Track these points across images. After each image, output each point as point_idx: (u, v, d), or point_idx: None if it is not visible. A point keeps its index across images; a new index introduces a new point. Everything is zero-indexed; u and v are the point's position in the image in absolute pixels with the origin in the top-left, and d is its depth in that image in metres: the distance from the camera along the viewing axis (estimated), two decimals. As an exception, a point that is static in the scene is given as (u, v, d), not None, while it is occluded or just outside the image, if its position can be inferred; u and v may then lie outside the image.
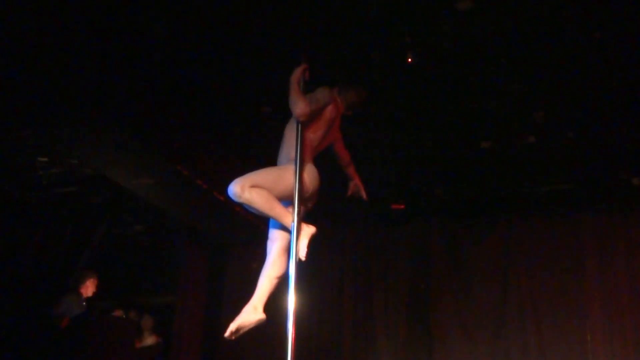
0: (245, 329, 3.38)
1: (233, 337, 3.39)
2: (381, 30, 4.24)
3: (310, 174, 3.55)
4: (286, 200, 3.49)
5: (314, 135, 3.64)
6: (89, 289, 6.42)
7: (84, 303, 6.27)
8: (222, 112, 5.36)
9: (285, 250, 3.49)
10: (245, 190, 3.36)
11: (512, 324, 6.52)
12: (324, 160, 3.74)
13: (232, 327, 3.36)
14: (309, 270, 3.89)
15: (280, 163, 3.63)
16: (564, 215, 6.71)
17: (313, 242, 3.42)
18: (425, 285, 6.89)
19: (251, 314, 3.39)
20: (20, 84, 4.07)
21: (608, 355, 6.17)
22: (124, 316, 6.49)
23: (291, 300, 3.26)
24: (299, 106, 3.47)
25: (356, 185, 4.00)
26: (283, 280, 3.37)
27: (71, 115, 4.49)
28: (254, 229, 6.28)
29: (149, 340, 7.23)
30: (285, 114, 3.65)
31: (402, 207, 7.03)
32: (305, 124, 3.54)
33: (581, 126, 5.35)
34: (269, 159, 3.76)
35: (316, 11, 4.07)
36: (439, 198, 6.84)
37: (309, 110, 3.49)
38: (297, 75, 3.59)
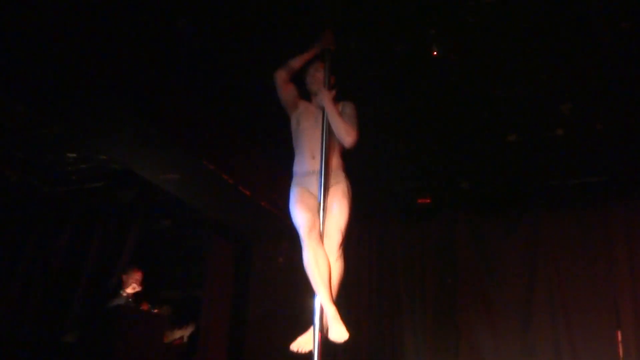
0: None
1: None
2: (406, 22, 4.22)
3: None
4: None
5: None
6: (131, 285, 6.54)
7: (130, 299, 6.42)
8: (248, 107, 5.39)
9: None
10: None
11: (541, 318, 6.43)
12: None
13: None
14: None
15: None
16: (593, 208, 6.60)
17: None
18: (452, 280, 6.85)
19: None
20: (48, 80, 4.12)
21: (640, 348, 6.09)
22: (152, 310, 6.57)
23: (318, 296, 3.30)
24: (352, 135, 3.56)
25: None
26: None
27: (99, 111, 4.54)
28: (279, 223, 6.31)
29: (177, 333, 7.30)
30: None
31: (428, 201, 7.00)
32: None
33: (610, 117, 5.27)
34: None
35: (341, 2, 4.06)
36: (466, 192, 6.80)
37: (358, 134, 3.59)
38: (330, 101, 3.58)
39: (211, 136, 5.52)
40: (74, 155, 6.10)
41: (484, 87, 4.94)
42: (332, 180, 3.55)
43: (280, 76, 3.71)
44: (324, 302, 3.26)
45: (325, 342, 3.22)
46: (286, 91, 3.74)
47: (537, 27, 4.21)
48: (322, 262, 3.32)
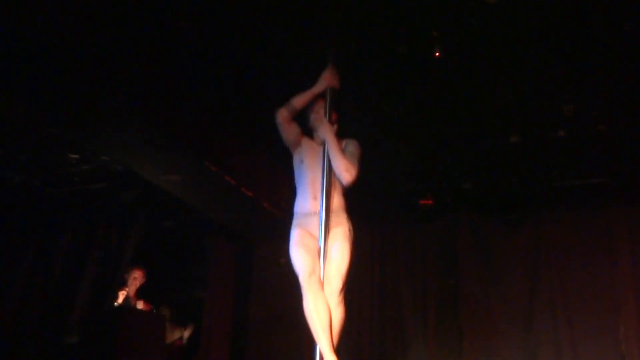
0: None
1: None
2: (408, 24, 4.22)
3: None
4: None
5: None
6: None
7: (129, 298, 6.43)
8: (250, 108, 5.39)
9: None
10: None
11: (543, 319, 6.43)
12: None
13: None
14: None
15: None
16: (595, 209, 6.59)
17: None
18: (454, 281, 6.85)
19: None
20: (50, 81, 4.12)
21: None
22: (154, 310, 6.57)
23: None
24: (352, 173, 3.43)
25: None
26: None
27: (102, 112, 4.55)
28: (281, 224, 6.30)
29: (176, 334, 7.31)
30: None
31: (431, 202, 7.00)
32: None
33: (612, 119, 5.27)
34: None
35: (343, 7, 4.05)
36: (468, 193, 6.79)
37: (357, 173, 3.48)
38: (331, 132, 3.49)
39: (213, 137, 5.52)
40: (76, 156, 6.09)
41: (486, 88, 4.94)
42: (333, 222, 3.42)
43: (282, 115, 3.58)
44: (324, 350, 3.14)
45: None
46: (288, 130, 3.62)
47: (540, 28, 4.20)
48: (322, 308, 3.20)
